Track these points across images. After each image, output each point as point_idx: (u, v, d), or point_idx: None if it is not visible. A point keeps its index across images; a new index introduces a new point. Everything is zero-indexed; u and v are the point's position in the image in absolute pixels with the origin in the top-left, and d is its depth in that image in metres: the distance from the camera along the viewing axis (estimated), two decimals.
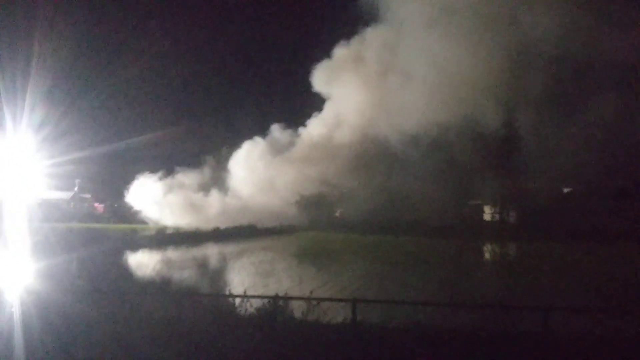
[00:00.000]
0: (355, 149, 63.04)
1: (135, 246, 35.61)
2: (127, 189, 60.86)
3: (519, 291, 20.09)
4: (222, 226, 48.96)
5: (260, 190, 61.33)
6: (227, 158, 65.75)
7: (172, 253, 34.20)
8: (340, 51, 68.04)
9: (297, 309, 11.69)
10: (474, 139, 55.29)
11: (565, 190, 60.44)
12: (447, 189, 54.80)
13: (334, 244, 42.45)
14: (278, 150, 65.84)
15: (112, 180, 67.05)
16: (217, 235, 45.24)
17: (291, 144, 66.92)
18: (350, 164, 61.67)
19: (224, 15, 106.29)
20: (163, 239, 40.52)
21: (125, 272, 25.12)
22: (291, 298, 12.05)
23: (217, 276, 25.16)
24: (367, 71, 66.30)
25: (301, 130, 68.65)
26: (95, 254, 28.89)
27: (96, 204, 69.84)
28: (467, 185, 56.80)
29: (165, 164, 63.43)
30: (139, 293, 14.77)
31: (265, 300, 11.83)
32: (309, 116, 69.08)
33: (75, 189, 70.30)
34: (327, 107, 68.02)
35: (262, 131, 67.50)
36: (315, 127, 67.51)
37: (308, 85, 67.63)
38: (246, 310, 11.88)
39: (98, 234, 38.47)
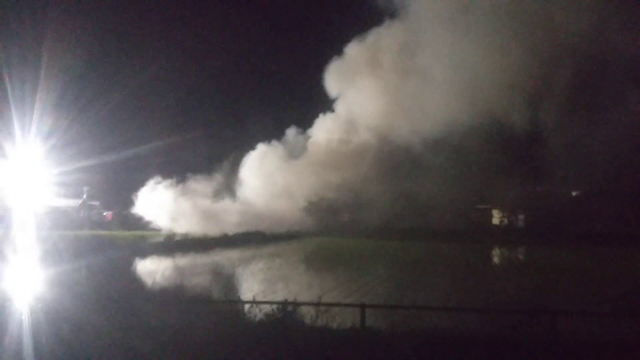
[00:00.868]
0: (367, 152, 62.44)
1: (144, 253, 35.64)
2: (136, 196, 60.94)
3: (528, 295, 19.97)
4: (230, 232, 48.93)
5: (270, 196, 61.02)
6: (235, 164, 65.73)
7: (181, 260, 34.21)
8: (353, 49, 66.71)
9: (306, 314, 11.67)
10: (493, 141, 54.17)
11: (574, 193, 60.06)
12: (458, 193, 54.50)
13: (342, 249, 42.37)
14: (289, 154, 65.48)
15: (120, 187, 67.13)
16: (226, 242, 45.23)
17: (302, 147, 66.43)
18: (361, 168, 60.90)
19: (230, 19, 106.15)
20: (171, 245, 40.55)
21: (134, 280, 25.15)
22: (300, 304, 12.02)
23: (225, 283, 25.15)
24: (383, 70, 65.08)
25: (311, 131, 67.95)
26: (103, 262, 28.98)
27: (104, 212, 69.96)
28: (477, 189, 56.34)
29: (173, 170, 63.43)
30: (147, 300, 14.78)
31: (274, 306, 11.81)
32: (317, 116, 68.49)
33: (84, 196, 70.43)
34: (339, 109, 67.18)
35: (271, 136, 66.88)
36: (326, 130, 66.79)
37: (317, 86, 67.12)
38: (255, 316, 11.87)
39: (106, 242, 38.55)
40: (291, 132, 67.61)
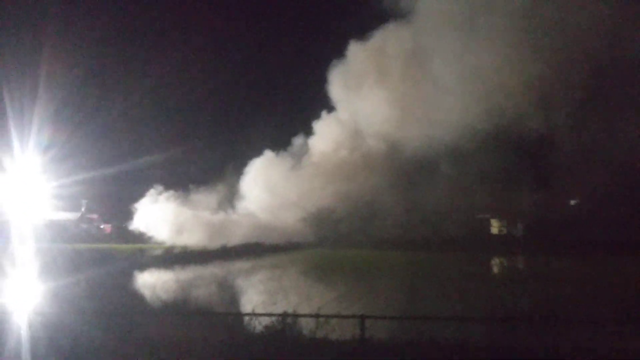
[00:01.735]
0: (370, 160, 62.11)
1: (143, 266, 35.56)
2: (134, 208, 60.97)
3: (528, 305, 19.93)
4: (229, 244, 48.90)
5: (271, 206, 60.79)
6: (234, 175, 65.81)
7: (180, 272, 34.13)
8: (359, 53, 65.77)
9: (306, 326, 11.64)
10: (499, 150, 53.32)
11: (572, 202, 60.07)
12: (459, 202, 54.41)
13: (340, 260, 42.28)
14: (292, 163, 65.37)
15: (119, 200, 67.26)
16: (225, 254, 45.16)
17: (304, 156, 66.27)
18: (362, 177, 60.54)
19: (230, 28, 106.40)
20: (170, 258, 40.46)
21: (133, 293, 25.11)
22: (299, 315, 11.99)
23: (224, 295, 25.09)
24: (391, 74, 64.06)
25: (313, 139, 67.55)
26: (102, 275, 28.92)
27: (103, 225, 69.95)
28: (478, 198, 56.14)
29: (172, 182, 63.57)
30: (146, 313, 14.74)
31: (274, 318, 11.79)
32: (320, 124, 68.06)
33: (82, 209, 70.51)
34: (343, 115, 66.47)
35: (272, 145, 67.18)
36: (329, 138, 66.19)
37: (319, 94, 67.23)
38: (255, 328, 11.85)
39: (105, 255, 38.43)
40: (296, 141, 67.65)
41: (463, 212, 55.82)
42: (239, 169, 65.50)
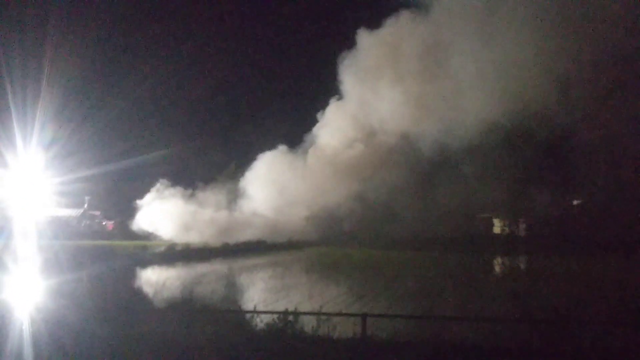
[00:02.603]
0: (378, 156, 61.19)
1: (145, 263, 35.61)
2: (137, 205, 60.98)
3: (529, 305, 19.89)
4: (231, 242, 48.95)
5: (276, 204, 60.46)
6: (237, 172, 65.66)
7: (182, 269, 34.14)
8: (370, 42, 63.84)
9: (307, 324, 11.64)
10: (515, 145, 53.07)
11: (575, 202, 59.92)
12: (463, 201, 54.14)
13: (342, 259, 42.22)
14: (298, 160, 64.73)
15: (121, 197, 67.30)
16: (227, 251, 45.20)
17: (309, 151, 65.42)
18: (368, 173, 59.77)
19: (234, 22, 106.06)
20: (172, 255, 40.52)
21: (135, 289, 25.12)
22: (301, 313, 11.99)
23: (226, 292, 25.07)
24: (405, 67, 61.92)
25: (318, 134, 66.37)
26: (104, 271, 28.93)
27: (105, 221, 70.01)
28: (478, 197, 55.81)
29: (175, 180, 63.56)
30: (148, 310, 14.75)
31: (276, 316, 11.79)
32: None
33: (85, 206, 70.55)
34: (351, 108, 64.88)
35: (277, 142, 66.33)
36: (335, 133, 64.91)
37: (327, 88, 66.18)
38: (256, 326, 11.86)
39: (107, 251, 38.49)
40: (308, 138, 66.73)
41: (465, 211, 55.67)
42: (244, 166, 65.15)
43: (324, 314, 11.60)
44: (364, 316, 11.03)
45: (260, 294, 23.10)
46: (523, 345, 10.30)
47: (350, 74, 64.52)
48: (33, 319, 11.91)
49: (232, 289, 26.55)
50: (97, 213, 72.11)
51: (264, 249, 49.14)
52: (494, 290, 25.43)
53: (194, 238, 52.68)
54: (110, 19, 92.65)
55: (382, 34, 63.45)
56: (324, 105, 67.50)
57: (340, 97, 66.21)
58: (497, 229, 60.53)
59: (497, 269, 37.29)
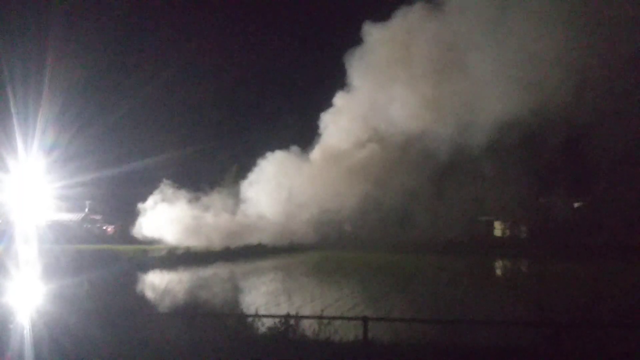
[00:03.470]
0: (381, 158, 60.22)
1: (146, 267, 35.61)
2: (138, 210, 60.98)
3: (531, 307, 19.89)
4: (233, 245, 48.92)
5: (280, 206, 59.92)
6: (238, 176, 65.52)
7: (183, 273, 34.14)
8: (380, 36, 61.48)
9: (309, 327, 11.64)
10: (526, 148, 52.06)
11: (576, 205, 59.84)
12: (464, 204, 53.91)
13: (343, 262, 42.20)
14: (303, 162, 63.62)
15: (122, 201, 67.29)
16: (228, 255, 45.19)
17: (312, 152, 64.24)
18: (372, 175, 58.69)
19: (236, 22, 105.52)
20: (173, 259, 40.48)
21: (136, 293, 25.12)
22: (302, 317, 11.99)
23: (227, 296, 25.08)
24: (415, 61, 59.56)
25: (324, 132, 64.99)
26: (105, 275, 28.93)
27: (106, 226, 70.00)
28: (482, 200, 55.55)
29: (177, 184, 63.50)
30: (149, 314, 14.74)
31: (277, 320, 11.79)
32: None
33: (86, 210, 70.60)
34: (358, 106, 62.89)
35: (280, 145, 65.33)
36: (341, 132, 63.31)
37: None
38: (258, 329, 11.86)
39: (108, 255, 38.47)
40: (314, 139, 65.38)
41: (467, 214, 55.46)
42: (249, 168, 64.73)
43: (325, 317, 11.59)
44: (364, 320, 11.02)
45: (261, 297, 23.10)
46: (527, 347, 10.30)
47: (359, 71, 62.74)
48: (34, 323, 11.91)
49: (233, 292, 26.56)
50: (98, 217, 72.10)
51: (265, 252, 49.11)
52: (498, 294, 25.45)
53: (197, 242, 52.56)
54: (112, 22, 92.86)
55: (393, 28, 61.38)
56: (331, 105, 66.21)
57: (349, 90, 64.39)
58: (498, 232, 60.46)
59: (498, 272, 37.32)
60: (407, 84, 59.08)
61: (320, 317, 11.64)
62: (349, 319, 12.71)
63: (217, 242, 51.41)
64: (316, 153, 64.03)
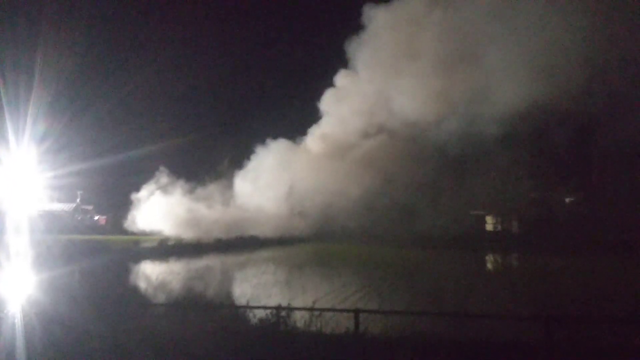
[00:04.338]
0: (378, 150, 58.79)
1: (137, 258, 35.57)
2: (130, 200, 60.75)
3: (522, 301, 20.02)
4: (224, 237, 48.89)
5: (277, 198, 59.18)
6: (230, 168, 65.28)
7: (175, 264, 34.13)
8: (382, 19, 58.86)
9: (300, 319, 11.66)
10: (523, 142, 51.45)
11: (567, 200, 59.99)
12: (456, 199, 53.68)
13: (334, 255, 42.27)
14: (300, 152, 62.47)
15: (114, 191, 67.08)
16: (220, 247, 45.20)
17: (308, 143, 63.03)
18: (363, 168, 57.35)
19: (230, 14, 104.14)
20: (165, 250, 40.47)
21: (127, 284, 25.10)
22: (294, 309, 12.00)
23: (219, 287, 25.09)
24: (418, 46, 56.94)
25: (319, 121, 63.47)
26: (97, 266, 28.91)
27: (98, 216, 69.78)
28: (473, 195, 55.32)
29: (168, 175, 63.22)
30: (140, 304, 14.74)
31: (268, 311, 11.80)
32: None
33: (77, 200, 70.32)
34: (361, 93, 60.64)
35: (274, 135, 64.35)
36: (337, 123, 61.64)
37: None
38: (249, 321, 11.87)
39: (100, 246, 38.43)
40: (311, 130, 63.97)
41: (459, 208, 55.34)
42: (244, 160, 64.38)
43: (317, 309, 11.61)
44: (356, 312, 11.05)
45: (253, 289, 23.11)
46: (519, 341, 10.35)
47: (363, 58, 60.83)
48: (26, 313, 11.88)
49: (225, 284, 26.57)
50: (90, 207, 71.84)
51: (257, 244, 49.10)
52: (488, 288, 25.56)
53: (189, 233, 52.43)
54: (104, 8, 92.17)
55: (398, 11, 58.91)
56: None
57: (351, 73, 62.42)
58: (489, 226, 60.58)
59: (489, 266, 37.45)
60: (412, 74, 57.11)
61: (311, 309, 11.66)
62: (341, 310, 12.73)
63: (210, 234, 51.25)
64: (317, 142, 62.75)
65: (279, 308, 11.78)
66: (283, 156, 61.78)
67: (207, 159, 69.64)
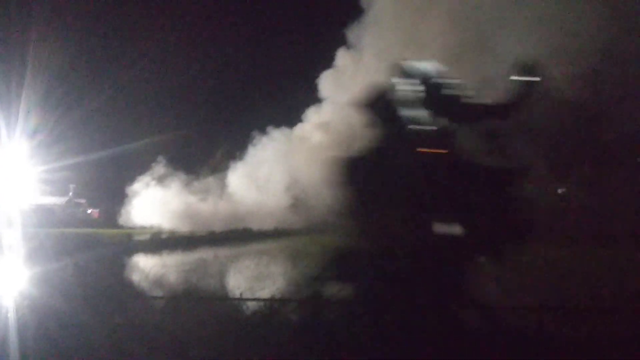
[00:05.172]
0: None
1: (130, 251, 35.51)
2: (124, 193, 60.58)
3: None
4: (218, 229, 48.87)
5: (264, 190, 59.25)
6: (223, 160, 65.11)
7: (168, 257, 34.11)
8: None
9: (293, 311, 11.71)
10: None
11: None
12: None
13: (329, 247, 42.19)
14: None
15: (107, 185, 66.87)
16: (213, 239, 45.17)
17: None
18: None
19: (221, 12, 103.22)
20: (158, 243, 40.44)
21: (121, 277, 25.05)
22: (287, 300, 12.06)
23: (212, 280, 25.09)
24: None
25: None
26: (90, 259, 28.81)
27: (90, 209, 69.53)
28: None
29: (161, 168, 62.99)
30: (134, 298, 14.75)
31: (261, 303, 11.85)
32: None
33: (70, 194, 69.99)
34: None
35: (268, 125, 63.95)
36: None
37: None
38: (242, 312, 11.91)
39: (93, 239, 38.39)
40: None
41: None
42: (229, 153, 64.30)
43: (309, 300, 11.67)
44: (350, 303, 11.11)
45: (246, 281, 23.13)
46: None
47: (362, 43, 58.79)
48: (18, 307, 11.89)
49: (218, 276, 26.56)
50: (83, 201, 71.53)
51: (250, 236, 49.05)
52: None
53: (184, 226, 52.35)
54: (96, 2, 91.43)
55: None
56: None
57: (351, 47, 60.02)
58: None
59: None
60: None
61: (304, 301, 11.73)
62: (332, 302, 12.78)
63: (205, 227, 51.15)
64: (317, 133, 61.07)
65: (272, 300, 11.85)
66: (280, 146, 61.59)
67: (203, 151, 69.40)
